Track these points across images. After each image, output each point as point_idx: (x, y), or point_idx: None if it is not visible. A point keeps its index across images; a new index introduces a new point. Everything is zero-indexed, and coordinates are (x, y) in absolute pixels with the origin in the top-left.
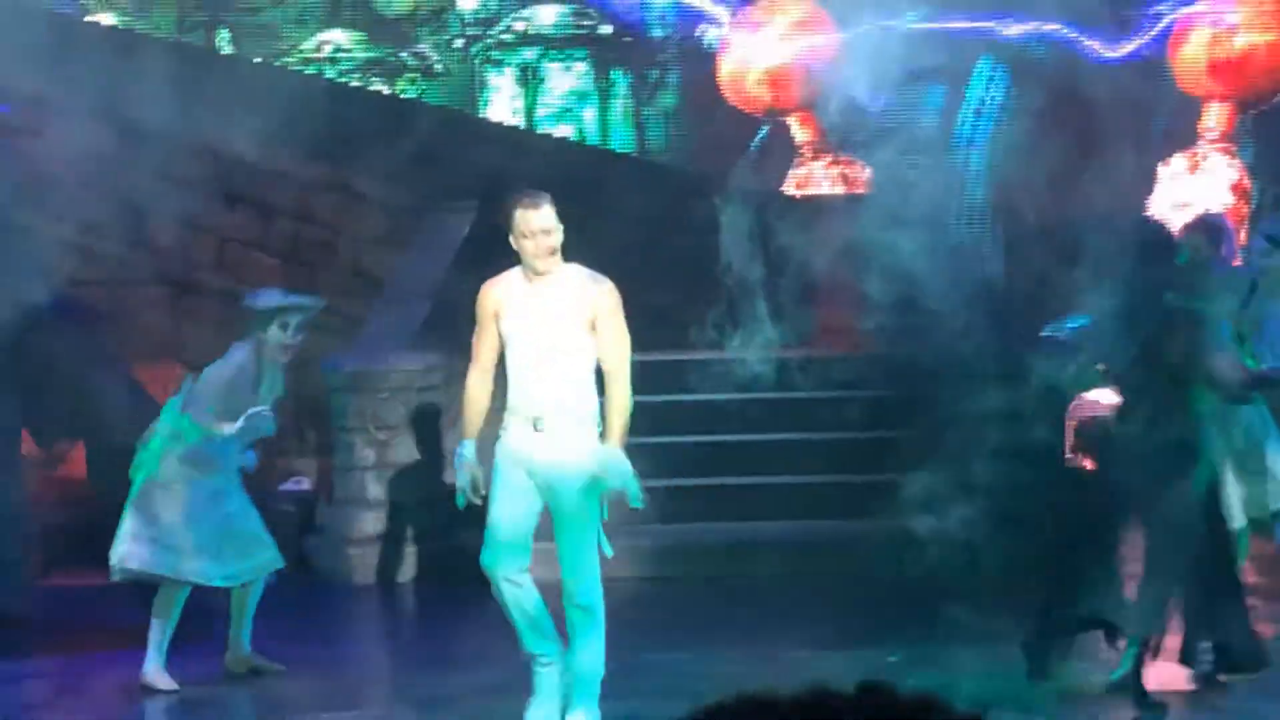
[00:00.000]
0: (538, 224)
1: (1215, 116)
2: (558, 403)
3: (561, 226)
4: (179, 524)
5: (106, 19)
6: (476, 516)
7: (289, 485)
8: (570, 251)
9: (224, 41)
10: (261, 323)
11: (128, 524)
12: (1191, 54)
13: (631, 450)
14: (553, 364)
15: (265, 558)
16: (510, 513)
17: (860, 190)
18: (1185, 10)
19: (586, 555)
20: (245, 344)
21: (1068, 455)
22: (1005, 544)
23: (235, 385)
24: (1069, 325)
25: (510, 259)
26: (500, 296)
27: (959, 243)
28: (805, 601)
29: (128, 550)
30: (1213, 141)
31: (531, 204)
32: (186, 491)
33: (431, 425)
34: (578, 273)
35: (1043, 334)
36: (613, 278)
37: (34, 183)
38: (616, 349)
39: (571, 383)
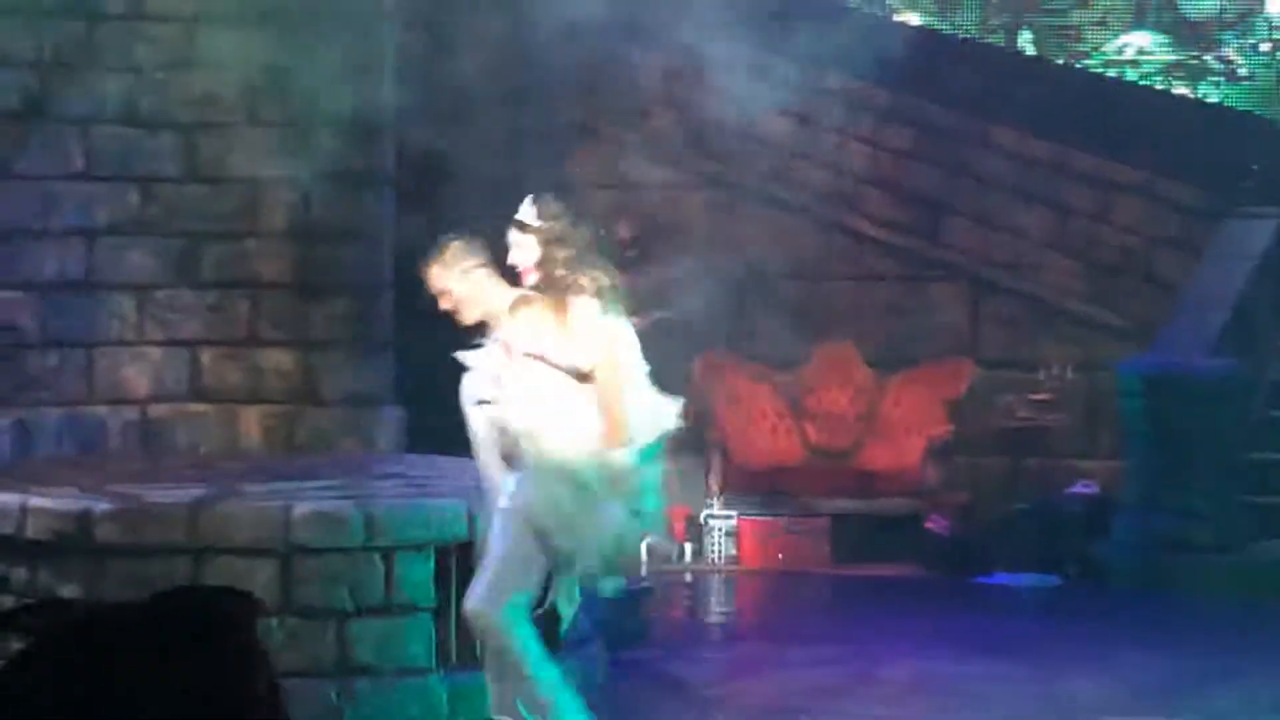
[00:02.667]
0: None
1: None
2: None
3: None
4: None
5: (913, 19)
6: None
7: (1077, 488)
8: None
9: (1026, 43)
10: None
11: None
12: None
13: None
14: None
15: None
16: None
17: None
18: None
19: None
20: None
21: None
22: None
23: None
24: None
25: None
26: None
27: None
28: None
29: None
30: None
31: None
32: None
33: (1222, 431)
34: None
35: None
36: None
37: (839, 178)
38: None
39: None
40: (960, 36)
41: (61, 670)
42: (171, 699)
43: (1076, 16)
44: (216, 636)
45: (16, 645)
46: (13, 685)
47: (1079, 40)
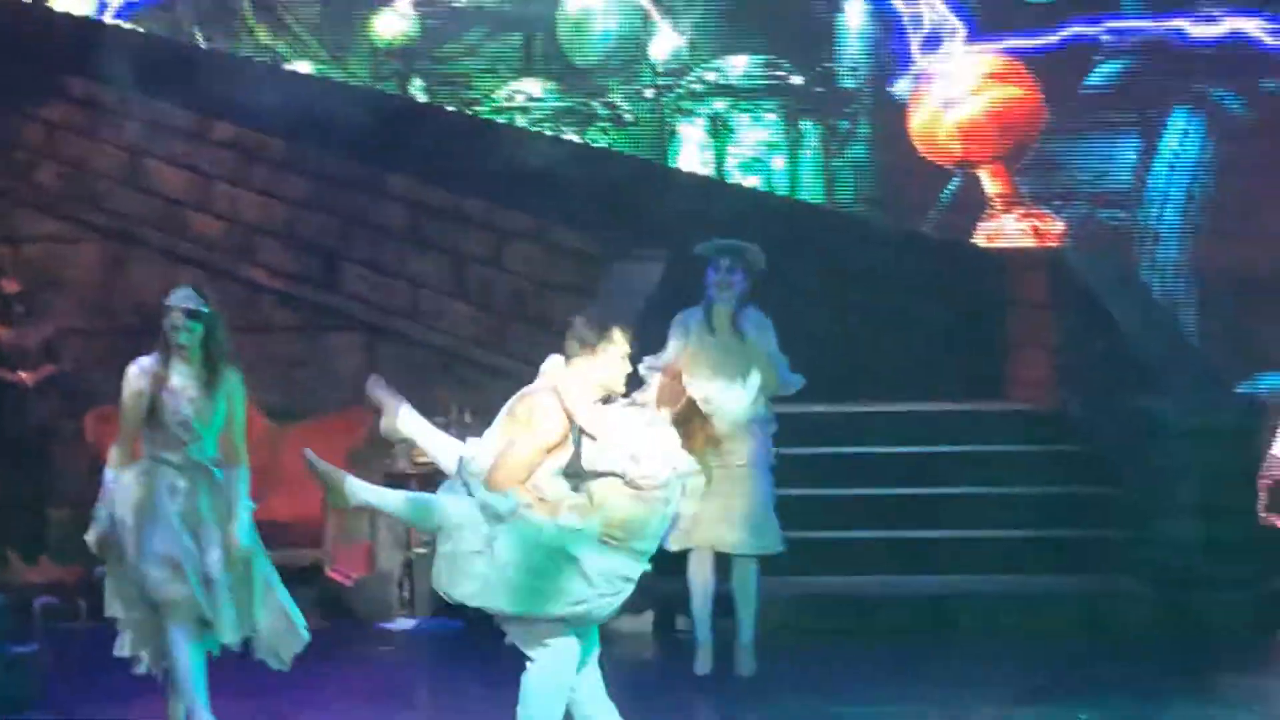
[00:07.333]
0: None
1: None
2: None
3: None
4: None
5: (304, 67)
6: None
7: None
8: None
9: (417, 90)
10: None
11: None
12: None
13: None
14: None
15: None
16: None
17: (1052, 243)
18: None
19: None
20: None
21: (1261, 514)
22: (1203, 601)
23: None
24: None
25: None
26: None
27: (1151, 297)
28: (997, 658)
29: None
30: None
31: None
32: None
33: None
34: None
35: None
36: (802, 326)
37: (233, 229)
38: None
39: None
40: (352, 84)
41: None
42: None
43: (466, 64)
44: None
45: None
46: None
47: (470, 87)
